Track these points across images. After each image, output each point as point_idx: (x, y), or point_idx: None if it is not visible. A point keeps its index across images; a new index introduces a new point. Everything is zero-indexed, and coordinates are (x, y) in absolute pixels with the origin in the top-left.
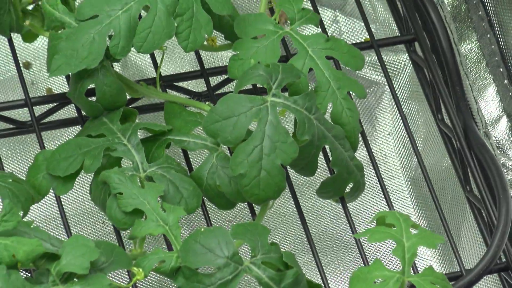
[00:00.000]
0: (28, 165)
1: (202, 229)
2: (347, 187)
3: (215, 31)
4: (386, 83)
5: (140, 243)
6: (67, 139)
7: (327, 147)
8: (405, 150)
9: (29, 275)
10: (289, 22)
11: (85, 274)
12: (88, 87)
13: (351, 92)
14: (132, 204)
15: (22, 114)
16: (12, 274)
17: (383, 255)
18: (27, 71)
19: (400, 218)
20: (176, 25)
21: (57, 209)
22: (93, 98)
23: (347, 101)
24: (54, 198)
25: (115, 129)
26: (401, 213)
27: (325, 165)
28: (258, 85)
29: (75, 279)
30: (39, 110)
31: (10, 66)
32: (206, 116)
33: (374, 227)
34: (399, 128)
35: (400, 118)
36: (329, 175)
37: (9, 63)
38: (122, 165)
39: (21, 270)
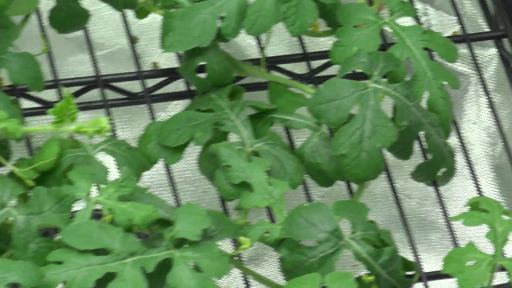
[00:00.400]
0: (137, 134)
1: (306, 204)
2: (439, 171)
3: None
4: (471, 75)
5: (245, 214)
6: (171, 111)
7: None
8: (489, 139)
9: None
10: (384, 12)
11: (196, 240)
12: (198, 64)
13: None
14: (240, 177)
15: (130, 86)
16: (128, 237)
17: (468, 237)
18: (134, 45)
19: (493, 205)
20: (284, 10)
21: (157, 177)
22: (202, 75)
23: (441, 91)
24: (155, 166)
25: (223, 105)
26: (493, 200)
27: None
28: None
29: (186, 245)
30: (148, 83)
31: (118, 39)
32: (312, 97)
33: (468, 212)
34: (483, 117)
35: (484, 108)
36: (417, 158)
37: (117, 37)
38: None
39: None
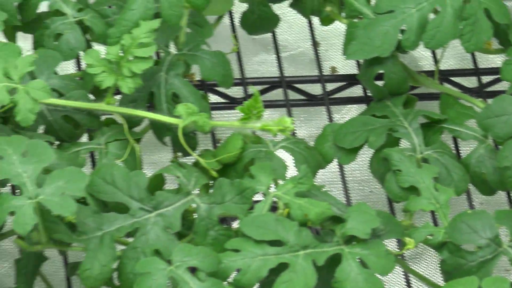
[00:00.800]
0: (312, 133)
1: (469, 211)
2: None
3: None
4: None
5: (410, 216)
6: (346, 113)
7: None
8: None
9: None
10: None
11: (365, 238)
12: (377, 73)
13: None
14: (409, 181)
15: (310, 87)
16: (302, 231)
17: None
18: (316, 49)
19: None
20: (461, 27)
21: (329, 175)
22: (379, 82)
23: None
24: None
25: (397, 113)
26: None
27: None
28: None
29: (355, 242)
30: (326, 86)
31: (301, 43)
32: (481, 111)
33: None
34: None
35: None
36: None
37: (300, 40)
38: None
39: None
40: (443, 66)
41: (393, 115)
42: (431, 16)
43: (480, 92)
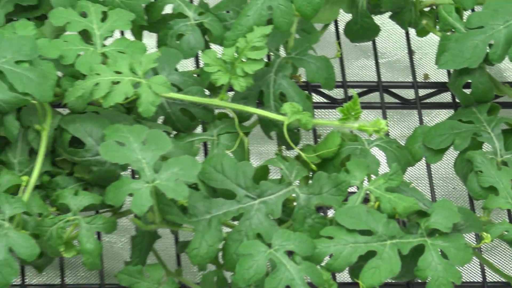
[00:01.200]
0: (402, 133)
1: None
2: None
3: None
4: None
5: (488, 213)
6: (435, 117)
7: None
8: None
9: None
10: None
11: (447, 232)
12: (465, 82)
13: None
14: (489, 182)
15: (403, 92)
16: (390, 223)
17: None
18: (411, 57)
19: None
20: None
21: (415, 172)
22: (466, 90)
23: None
24: None
25: (482, 119)
26: None
27: None
28: None
29: (437, 234)
30: (419, 91)
31: (397, 51)
32: None
33: None
34: None
35: None
36: None
37: (396, 49)
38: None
39: None
40: None
41: (478, 121)
42: None
43: None
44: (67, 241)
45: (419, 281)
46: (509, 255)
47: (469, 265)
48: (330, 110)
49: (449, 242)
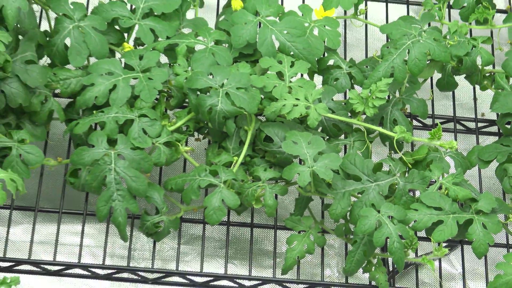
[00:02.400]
0: (467, 149)
1: None
2: None
3: None
4: None
5: None
6: (485, 141)
7: None
8: None
9: None
10: None
11: (487, 212)
12: (507, 121)
13: None
14: None
15: (468, 123)
16: (454, 204)
17: None
18: None
19: None
20: None
21: (470, 174)
22: (507, 125)
23: None
24: None
25: None
26: None
27: None
28: None
29: (481, 213)
30: (479, 124)
31: (466, 98)
32: None
33: None
34: None
35: None
36: None
37: (466, 97)
38: None
39: None
40: None
41: None
42: None
43: None
44: (257, 197)
45: (468, 240)
46: None
47: (498, 235)
48: (423, 131)
49: (488, 219)
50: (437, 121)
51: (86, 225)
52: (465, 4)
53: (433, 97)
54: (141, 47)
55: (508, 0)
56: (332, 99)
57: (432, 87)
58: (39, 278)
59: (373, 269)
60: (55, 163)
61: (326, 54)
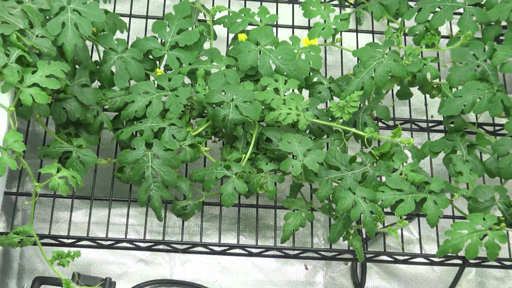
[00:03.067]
0: (421, 143)
1: None
2: None
3: None
4: None
5: (457, 184)
6: (435, 137)
7: None
8: None
9: None
10: None
11: (437, 192)
12: (451, 121)
13: None
14: (458, 169)
15: (421, 124)
16: (412, 186)
17: None
18: None
19: None
20: None
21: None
22: (452, 125)
23: None
24: None
25: (458, 139)
26: None
27: None
28: None
29: (433, 193)
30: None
31: (419, 103)
32: None
33: None
34: None
35: None
36: None
37: (419, 102)
38: None
39: None
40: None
41: (455, 140)
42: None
43: None
44: (260, 185)
45: (423, 213)
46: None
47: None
48: (387, 130)
49: (438, 197)
50: (397, 122)
51: (130, 209)
52: (417, 32)
53: (394, 104)
54: (169, 72)
55: (450, 28)
56: (317, 108)
57: (393, 97)
58: (95, 251)
59: (350, 238)
60: (105, 162)
61: (311, 74)
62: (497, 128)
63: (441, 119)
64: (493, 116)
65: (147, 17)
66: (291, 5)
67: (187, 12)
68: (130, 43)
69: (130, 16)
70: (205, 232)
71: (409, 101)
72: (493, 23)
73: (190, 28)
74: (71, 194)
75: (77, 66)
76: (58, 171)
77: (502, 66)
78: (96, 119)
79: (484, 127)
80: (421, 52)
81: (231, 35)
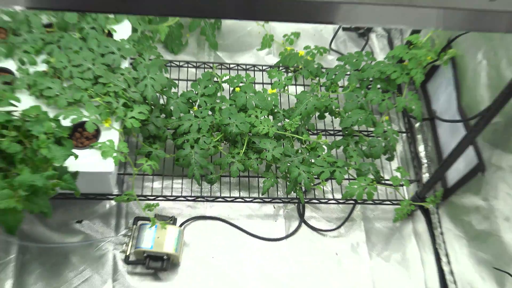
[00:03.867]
0: None
1: None
2: None
3: None
4: None
5: None
6: None
7: None
8: None
9: None
10: None
11: None
12: None
13: None
14: None
15: None
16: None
17: None
18: None
19: None
20: None
21: None
22: None
23: None
24: None
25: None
26: None
27: None
28: None
29: None
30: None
31: None
32: None
33: None
34: None
35: None
36: None
37: None
38: None
39: None
40: None
41: (349, 140)
42: None
43: None
44: (250, 165)
45: (334, 178)
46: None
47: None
48: (313, 136)
49: (341, 169)
50: (319, 131)
51: (184, 180)
52: (327, 85)
53: (316, 122)
54: (200, 108)
55: (343, 82)
56: (278, 125)
57: (315, 118)
58: (165, 203)
59: (297, 191)
60: (169, 156)
61: (274, 107)
62: (370, 133)
63: (340, 129)
64: (367, 127)
65: (187, 80)
66: (261, 72)
67: (208, 77)
68: (180, 93)
69: (178, 80)
70: (222, 191)
71: (324, 120)
72: (365, 79)
73: (210, 85)
74: (151, 174)
75: (153, 107)
76: (146, 162)
77: (371, 101)
78: (164, 134)
79: (363, 132)
80: (329, 95)
81: (231, 88)
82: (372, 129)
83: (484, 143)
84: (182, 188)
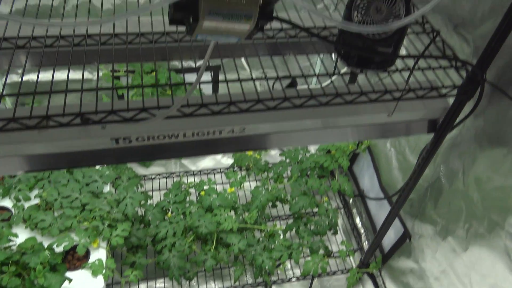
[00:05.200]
0: None
1: None
2: None
3: None
4: None
5: None
6: None
7: None
8: None
9: None
10: None
11: None
12: None
13: None
14: None
15: None
16: None
17: None
18: None
19: None
20: None
21: None
22: None
23: None
24: None
25: None
26: None
27: None
28: None
29: None
30: None
31: None
32: None
33: None
34: None
35: None
36: None
37: None
38: None
39: None
40: None
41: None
42: None
43: None
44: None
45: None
46: None
47: None
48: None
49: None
50: (274, 218)
51: (166, 279)
52: (274, 178)
53: (270, 210)
54: (173, 214)
55: (287, 173)
56: (240, 218)
57: (269, 208)
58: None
59: (263, 274)
60: (151, 261)
61: (234, 203)
62: (315, 213)
63: (291, 213)
64: (312, 208)
65: (159, 189)
66: (220, 174)
67: (177, 186)
68: (155, 203)
69: (152, 190)
70: (199, 284)
71: (277, 208)
72: (304, 169)
73: (179, 193)
74: (137, 281)
75: (133, 221)
76: (131, 273)
77: (312, 187)
78: (145, 242)
79: (309, 214)
80: (278, 186)
81: (197, 192)
82: (316, 209)
83: (406, 215)
84: (164, 287)
